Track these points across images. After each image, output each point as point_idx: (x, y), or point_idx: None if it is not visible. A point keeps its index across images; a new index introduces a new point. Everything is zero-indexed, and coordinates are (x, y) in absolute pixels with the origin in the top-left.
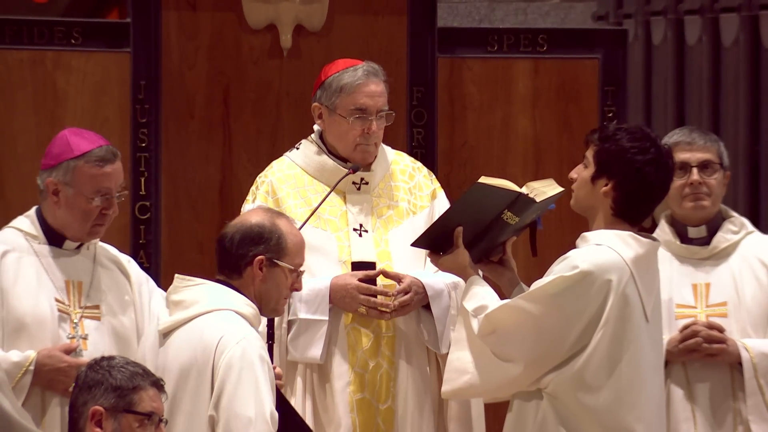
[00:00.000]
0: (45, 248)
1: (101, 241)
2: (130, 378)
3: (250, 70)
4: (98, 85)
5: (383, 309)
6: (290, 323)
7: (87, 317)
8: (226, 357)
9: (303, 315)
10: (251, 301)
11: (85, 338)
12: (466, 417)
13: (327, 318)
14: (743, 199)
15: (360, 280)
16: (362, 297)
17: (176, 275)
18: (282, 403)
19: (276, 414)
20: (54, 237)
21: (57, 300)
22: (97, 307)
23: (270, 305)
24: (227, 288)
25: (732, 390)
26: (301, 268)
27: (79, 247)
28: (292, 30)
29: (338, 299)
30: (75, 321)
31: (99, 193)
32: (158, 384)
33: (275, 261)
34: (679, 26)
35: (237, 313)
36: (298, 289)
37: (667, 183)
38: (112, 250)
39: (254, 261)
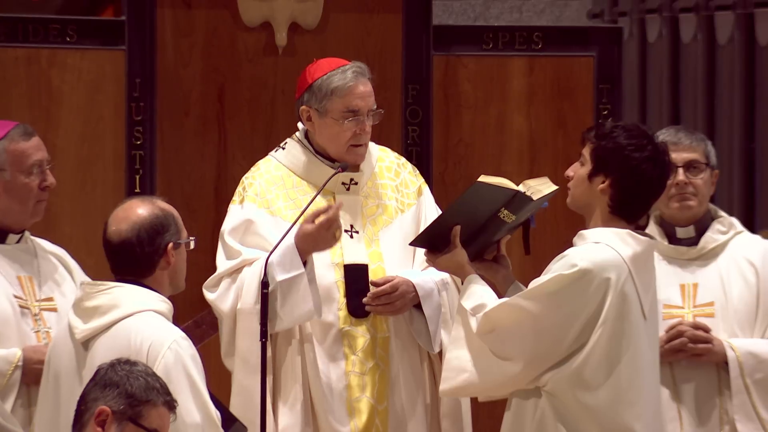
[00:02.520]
0: None
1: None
2: (146, 390)
3: (245, 68)
4: (93, 83)
5: (384, 304)
6: (266, 298)
7: (45, 310)
8: (160, 365)
9: (280, 277)
10: (163, 294)
11: (48, 331)
12: (458, 414)
13: (302, 270)
14: (738, 196)
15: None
16: (326, 232)
17: (84, 282)
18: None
19: (218, 411)
20: None
21: (15, 296)
22: (50, 299)
23: (180, 283)
24: (141, 288)
25: (718, 389)
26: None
27: (18, 241)
28: (287, 28)
29: (310, 244)
30: (36, 314)
31: (34, 166)
32: (171, 404)
33: (179, 242)
34: (674, 24)
35: (156, 312)
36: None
37: (664, 180)
38: (47, 243)
39: (167, 250)
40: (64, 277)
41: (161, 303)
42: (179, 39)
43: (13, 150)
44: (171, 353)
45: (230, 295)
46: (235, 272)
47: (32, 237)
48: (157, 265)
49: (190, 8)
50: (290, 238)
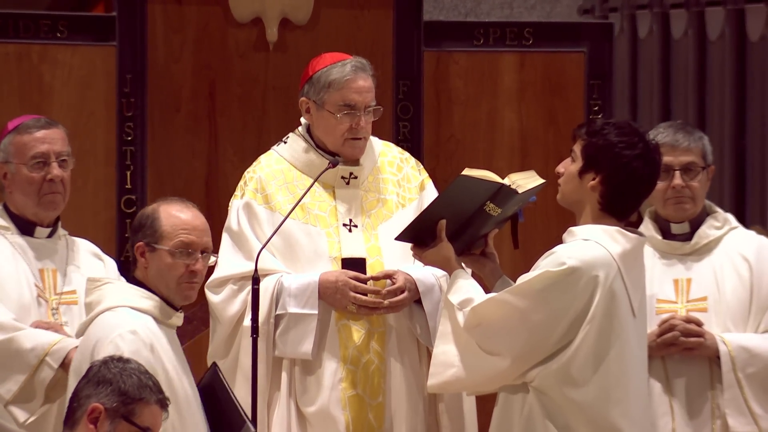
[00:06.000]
0: (18, 238)
1: (78, 237)
2: (139, 388)
3: (236, 64)
4: (84, 79)
5: (373, 307)
6: (278, 318)
7: (64, 303)
8: (99, 357)
9: (292, 309)
10: (152, 292)
11: (63, 324)
12: (458, 411)
13: (317, 312)
14: (729, 191)
15: (346, 268)
16: (353, 295)
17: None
18: (213, 385)
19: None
20: (24, 226)
21: (36, 286)
22: (73, 292)
23: (167, 292)
24: (126, 284)
25: (710, 384)
26: (191, 249)
27: (50, 235)
28: (278, 23)
29: (328, 295)
30: (53, 307)
31: (34, 159)
32: (163, 402)
33: (153, 245)
34: (664, 20)
35: (133, 308)
36: (197, 271)
37: (654, 178)
38: (86, 243)
39: (137, 248)
40: (94, 270)
41: (143, 300)
42: (170, 35)
43: (17, 142)
44: (111, 346)
45: (235, 303)
46: (242, 279)
47: (71, 236)
48: (136, 261)
49: (181, 4)
50: (315, 275)
